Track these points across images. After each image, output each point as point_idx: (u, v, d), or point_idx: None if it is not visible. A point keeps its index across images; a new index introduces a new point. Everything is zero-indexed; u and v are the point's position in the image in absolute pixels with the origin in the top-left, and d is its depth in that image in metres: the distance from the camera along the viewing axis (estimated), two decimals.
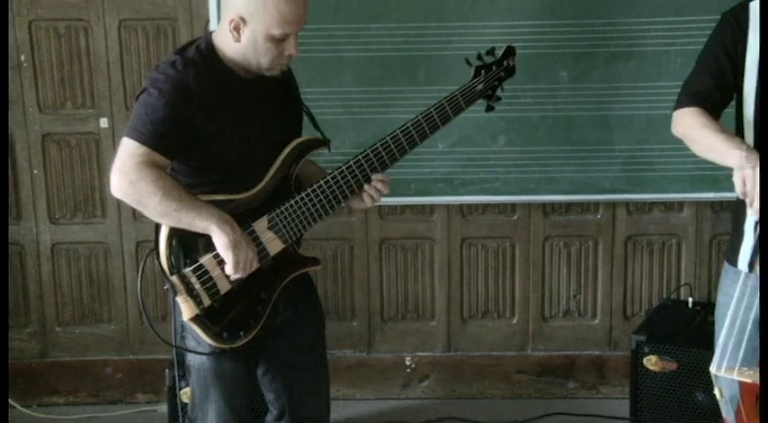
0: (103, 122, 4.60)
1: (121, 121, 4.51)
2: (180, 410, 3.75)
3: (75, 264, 4.75)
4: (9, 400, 4.65)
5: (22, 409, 4.67)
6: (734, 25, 3.00)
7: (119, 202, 4.51)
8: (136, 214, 4.57)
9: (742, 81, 2.98)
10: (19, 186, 4.68)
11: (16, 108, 4.60)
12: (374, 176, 3.02)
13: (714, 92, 2.99)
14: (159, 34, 4.56)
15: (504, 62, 3.28)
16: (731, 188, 2.74)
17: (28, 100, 4.61)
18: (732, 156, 2.74)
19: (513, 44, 3.34)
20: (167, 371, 3.96)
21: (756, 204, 2.62)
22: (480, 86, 3.21)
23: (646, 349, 4.03)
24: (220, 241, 2.76)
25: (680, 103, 3.04)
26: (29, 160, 4.65)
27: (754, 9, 2.96)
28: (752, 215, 2.68)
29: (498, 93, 3.29)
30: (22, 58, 4.58)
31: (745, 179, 2.64)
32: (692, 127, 2.96)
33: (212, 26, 4.32)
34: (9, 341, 4.70)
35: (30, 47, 4.57)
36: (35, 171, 4.66)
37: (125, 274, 4.74)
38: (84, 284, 4.77)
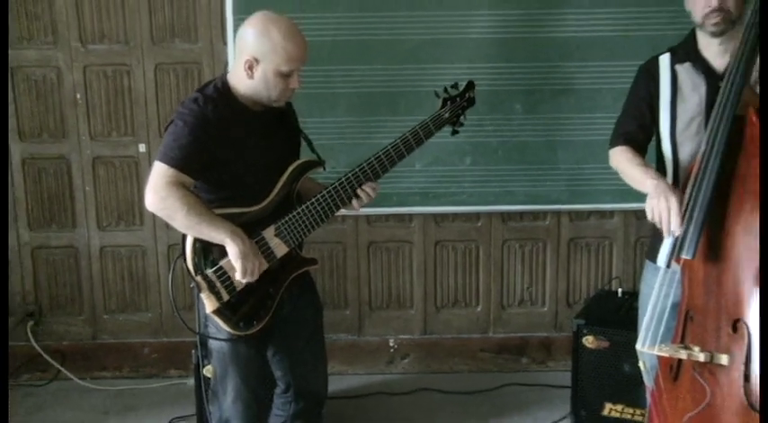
0: (142, 147, 4.58)
1: (156, 146, 4.43)
2: (203, 383, 3.71)
3: (118, 263, 4.72)
4: (68, 373, 4.66)
5: (78, 381, 4.63)
6: (648, 76, 3.06)
7: (153, 213, 4.55)
8: (168, 223, 4.54)
9: (658, 122, 3.02)
10: (74, 200, 4.66)
11: (72, 136, 4.59)
12: (367, 184, 3.02)
13: (638, 132, 3.06)
14: (187, 75, 4.55)
15: (466, 94, 3.29)
16: None
17: (82, 130, 4.59)
18: (645, 185, 2.80)
19: (474, 80, 3.33)
20: (193, 351, 3.92)
21: (665, 228, 2.64)
22: (447, 115, 3.22)
23: (584, 331, 4.00)
24: (232, 252, 2.77)
25: (612, 143, 3.10)
26: (82, 179, 4.63)
27: (663, 61, 3.02)
28: (665, 234, 2.68)
29: (462, 120, 3.29)
30: (78, 96, 4.56)
31: (652, 208, 2.68)
32: (620, 162, 3.02)
33: (230, 68, 4.32)
34: (67, 326, 4.74)
35: (84, 87, 4.56)
36: (87, 188, 4.64)
37: (159, 272, 4.72)
38: (126, 280, 4.75)
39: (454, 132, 3.32)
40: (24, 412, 4.37)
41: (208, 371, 3.67)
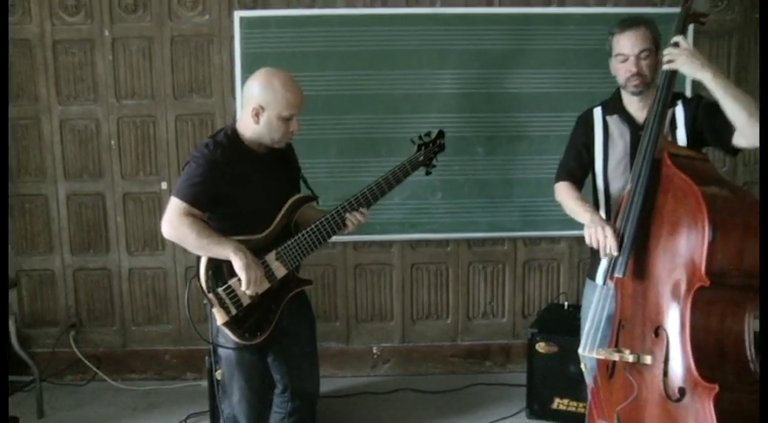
0: (164, 185, 4.57)
1: (176, 184, 4.49)
2: (216, 385, 3.71)
3: (144, 283, 4.69)
4: (103, 375, 4.63)
5: (111, 382, 4.60)
6: (585, 124, 3.09)
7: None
8: (184, 249, 4.48)
9: (594, 162, 3.03)
10: (108, 229, 4.63)
11: (107, 176, 4.59)
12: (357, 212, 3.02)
13: (577, 170, 3.07)
14: (202, 124, 4.56)
15: (437, 141, 3.28)
16: None
17: (115, 170, 4.59)
18: (582, 217, 2.83)
19: (444, 129, 3.33)
20: (207, 358, 3.90)
21: (602, 251, 2.65)
22: (421, 158, 3.21)
23: (537, 338, 3.99)
24: (237, 264, 2.76)
25: (557, 179, 3.11)
26: (114, 211, 4.61)
27: (597, 113, 3.06)
28: (603, 256, 2.69)
29: (434, 162, 3.29)
30: (112, 142, 4.56)
31: (592, 236, 2.68)
32: (563, 196, 3.04)
33: (238, 118, 4.33)
34: (102, 336, 4.71)
35: (117, 135, 4.57)
36: (118, 219, 4.62)
37: (177, 290, 4.68)
38: (150, 297, 4.71)
39: (427, 173, 3.31)
40: (68, 407, 4.33)
41: (219, 375, 3.67)
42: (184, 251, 4.47)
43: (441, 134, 3.30)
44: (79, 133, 4.57)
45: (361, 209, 3.03)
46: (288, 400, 3.19)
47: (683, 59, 2.64)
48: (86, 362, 4.65)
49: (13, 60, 4.48)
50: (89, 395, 4.50)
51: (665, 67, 2.69)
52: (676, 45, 2.68)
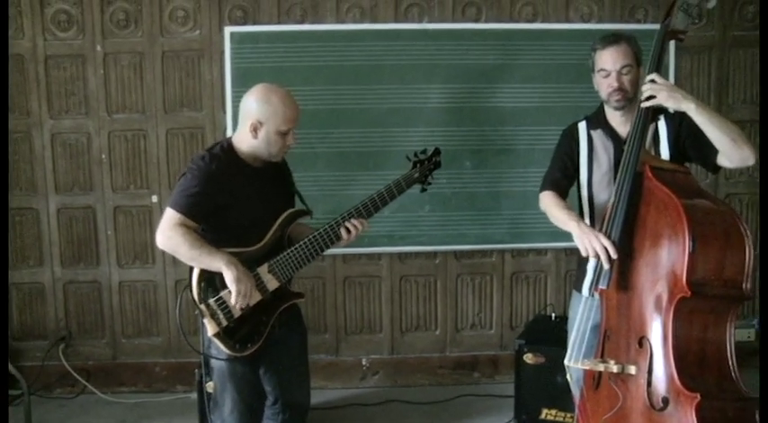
0: (154, 198, 4.58)
1: (167, 198, 4.42)
2: (205, 398, 3.72)
3: (134, 295, 4.69)
4: (92, 388, 4.62)
5: (101, 394, 4.58)
6: (570, 137, 3.12)
7: (163, 253, 4.47)
8: (174, 262, 4.54)
9: (578, 173, 3.05)
10: (98, 243, 4.63)
11: (97, 189, 4.59)
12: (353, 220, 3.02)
13: (562, 180, 3.08)
14: (193, 138, 4.58)
15: (433, 159, 3.30)
16: None
17: (105, 184, 4.59)
18: (569, 225, 2.83)
19: (438, 146, 3.35)
20: (196, 370, 3.90)
21: (604, 259, 2.63)
22: (416, 175, 3.22)
23: (525, 349, 3.99)
24: (228, 277, 2.77)
25: (542, 188, 3.11)
26: (105, 225, 4.61)
27: (582, 127, 3.09)
28: (591, 259, 2.71)
29: (429, 179, 3.30)
30: (103, 156, 4.58)
31: (586, 246, 2.68)
32: (548, 205, 3.03)
33: (228, 133, 4.38)
34: (92, 348, 4.71)
35: (108, 149, 4.58)
36: (109, 232, 4.62)
37: (167, 303, 4.68)
38: (141, 310, 4.70)
39: (423, 190, 3.31)
40: (57, 421, 4.30)
41: (209, 387, 3.66)
42: (174, 264, 4.56)
43: (436, 152, 3.32)
44: (70, 147, 4.58)
45: (360, 218, 3.03)
46: (279, 411, 3.18)
47: (664, 95, 2.68)
48: (76, 375, 4.64)
49: None
50: (78, 408, 4.48)
51: (647, 103, 2.71)
52: (653, 82, 2.72)
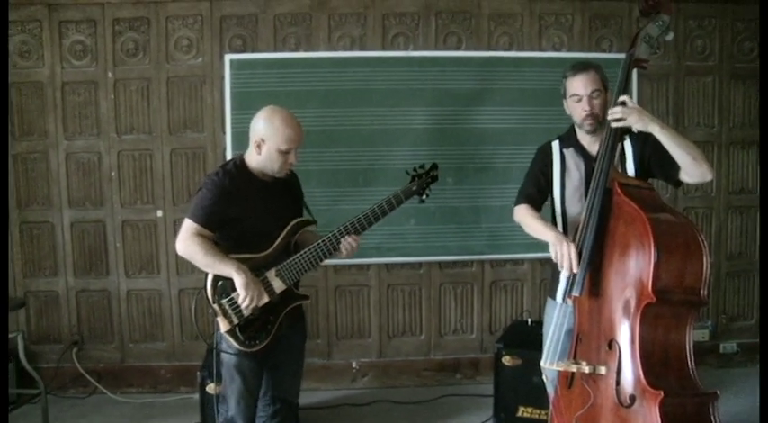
0: (159, 213, 4.58)
1: (170, 212, 4.56)
2: (204, 397, 3.83)
3: (141, 303, 4.67)
4: (103, 389, 4.60)
5: (110, 395, 4.57)
6: (544, 155, 3.12)
7: (168, 263, 4.61)
8: (178, 272, 4.59)
9: (552, 188, 3.06)
10: (108, 254, 4.62)
11: (107, 204, 4.58)
12: (350, 236, 3.04)
13: (536, 194, 3.08)
14: (195, 157, 4.58)
15: (431, 173, 3.30)
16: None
17: (114, 200, 4.58)
18: (546, 235, 2.84)
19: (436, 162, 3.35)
20: (198, 372, 3.89)
21: (566, 267, 2.67)
22: (414, 188, 3.22)
23: (503, 352, 3.99)
24: (237, 282, 2.85)
25: (517, 202, 3.12)
26: (114, 237, 4.60)
27: (555, 146, 3.09)
28: (565, 271, 2.72)
29: (427, 192, 3.29)
30: (113, 174, 4.57)
31: (559, 252, 2.70)
32: (524, 217, 3.04)
33: (228, 153, 4.39)
34: (102, 352, 4.69)
35: (117, 167, 4.57)
36: (117, 244, 4.60)
37: (172, 310, 4.66)
38: (147, 316, 4.68)
39: (422, 201, 3.29)
40: (71, 419, 4.28)
41: (210, 388, 3.70)
42: (178, 274, 4.57)
43: (434, 166, 3.32)
44: (83, 165, 4.57)
45: (353, 235, 3.04)
46: (269, 403, 3.19)
47: (634, 118, 2.69)
48: (88, 376, 4.61)
49: (26, 100, 4.53)
50: (90, 407, 4.45)
51: (617, 124, 2.72)
52: (623, 104, 2.73)
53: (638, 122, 2.70)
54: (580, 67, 2.93)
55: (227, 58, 4.43)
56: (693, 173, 2.72)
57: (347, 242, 3.03)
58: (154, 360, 4.70)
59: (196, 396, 4.09)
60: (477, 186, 4.54)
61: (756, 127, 4.87)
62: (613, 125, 2.74)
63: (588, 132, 2.94)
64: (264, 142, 2.91)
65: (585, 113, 2.90)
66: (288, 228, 3.01)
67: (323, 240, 3.01)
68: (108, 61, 4.50)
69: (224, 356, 3.04)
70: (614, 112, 2.73)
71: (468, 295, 4.81)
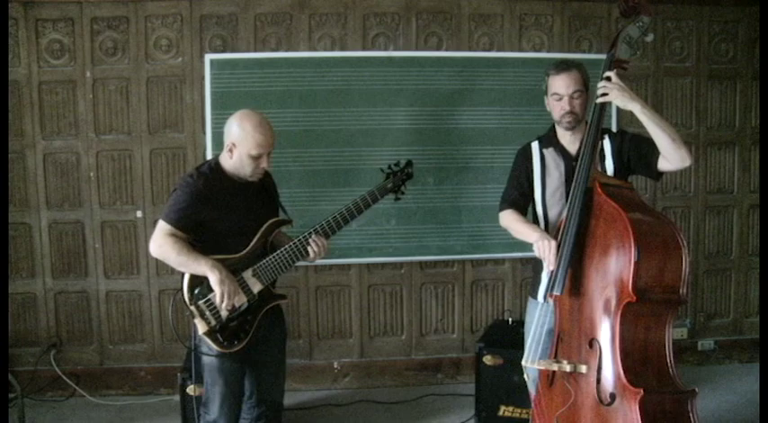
0: (139, 214, 4.54)
1: (150, 213, 4.52)
2: (185, 399, 3.82)
3: (120, 304, 4.63)
4: (82, 392, 4.56)
5: (89, 397, 4.52)
6: (524, 156, 3.15)
7: (148, 264, 4.57)
8: (158, 273, 4.56)
9: (533, 190, 3.08)
10: (86, 255, 4.57)
11: (86, 205, 4.54)
12: (319, 239, 3.04)
13: (519, 198, 3.11)
14: (175, 157, 4.55)
15: (406, 170, 3.32)
16: (531, 251, 2.82)
17: (93, 200, 4.54)
18: (531, 236, 2.86)
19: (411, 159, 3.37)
20: (179, 374, 3.88)
21: (547, 263, 2.71)
22: (389, 185, 3.25)
23: (484, 351, 4.01)
24: (212, 279, 2.85)
25: (501, 208, 3.14)
26: (93, 238, 4.56)
27: (534, 146, 3.12)
28: (546, 268, 2.74)
29: (403, 189, 3.31)
30: (91, 174, 4.53)
31: (540, 248, 2.74)
32: (510, 221, 3.07)
33: (208, 153, 4.37)
34: (81, 354, 4.65)
35: (96, 167, 4.53)
36: (96, 245, 4.56)
37: (152, 311, 4.63)
38: (126, 318, 4.64)
39: (397, 199, 3.31)
40: (49, 422, 4.25)
41: (191, 390, 3.69)
42: (158, 275, 4.55)
43: (409, 164, 3.35)
44: (61, 166, 4.53)
45: (322, 239, 3.04)
46: (254, 405, 3.19)
47: (615, 93, 2.73)
48: (66, 379, 4.57)
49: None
50: (69, 411, 4.41)
51: (599, 99, 2.77)
52: (608, 79, 2.77)
53: (618, 98, 2.74)
54: (563, 65, 2.96)
55: (208, 57, 4.41)
56: (673, 157, 2.73)
57: (315, 246, 3.03)
58: (133, 362, 4.66)
59: (177, 398, 4.07)
60: (458, 186, 4.56)
61: (733, 128, 4.95)
62: (598, 101, 2.78)
63: (567, 129, 2.96)
64: (236, 146, 2.92)
65: (564, 111, 2.93)
66: (263, 228, 3.02)
67: (293, 243, 3.02)
68: (86, 60, 4.46)
69: (205, 359, 3.03)
70: (598, 88, 2.77)
71: (449, 295, 4.82)
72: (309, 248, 3.02)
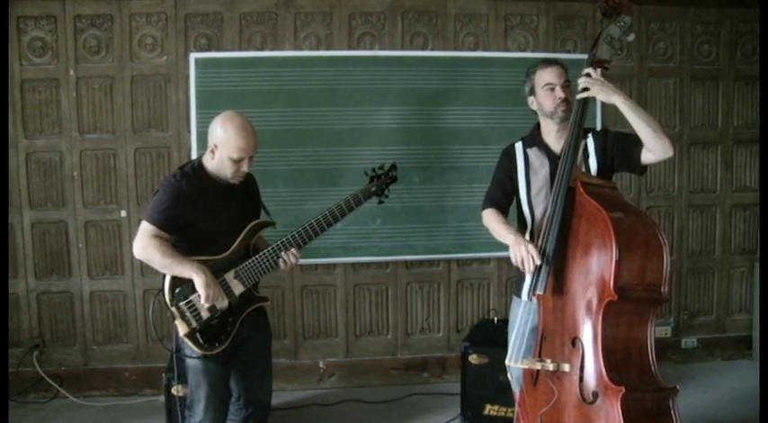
0: (123, 213, 4.54)
1: (134, 212, 4.51)
2: (170, 400, 3.79)
3: (104, 305, 4.62)
4: (65, 393, 4.55)
5: (73, 399, 4.50)
6: (508, 156, 3.17)
7: (132, 264, 4.55)
8: (142, 273, 4.54)
9: (518, 190, 3.10)
10: (70, 255, 4.57)
11: (69, 204, 4.53)
12: (289, 253, 3.03)
13: (502, 198, 3.13)
14: (159, 157, 4.55)
15: (390, 173, 3.32)
16: None
17: (77, 200, 4.53)
18: (507, 238, 2.88)
19: (396, 162, 3.36)
20: (164, 374, 3.87)
21: (526, 269, 2.71)
22: (373, 189, 3.25)
23: (470, 351, 4.03)
24: (197, 282, 2.84)
25: (483, 206, 3.16)
26: (76, 238, 4.55)
27: (518, 147, 3.14)
28: (527, 273, 2.77)
29: (386, 193, 3.31)
30: (75, 173, 4.52)
31: (515, 254, 2.75)
32: (490, 221, 3.09)
33: (193, 152, 4.37)
34: (64, 355, 4.64)
35: (80, 167, 4.52)
36: (80, 245, 4.55)
37: (136, 311, 4.62)
38: (111, 318, 4.64)
39: (380, 202, 3.32)
40: None
41: (176, 390, 3.68)
42: (142, 275, 4.54)
43: (393, 167, 3.34)
44: (44, 165, 4.51)
45: (293, 250, 3.04)
46: (242, 407, 3.18)
47: (597, 88, 2.76)
48: (49, 380, 4.55)
49: None
50: (52, 412, 4.39)
51: (581, 95, 2.79)
52: (588, 76, 2.80)
53: (600, 92, 2.77)
54: (550, 60, 3.03)
55: (192, 56, 4.41)
56: (656, 147, 2.76)
57: (285, 257, 3.03)
58: (118, 362, 4.66)
59: (161, 399, 4.06)
60: (444, 186, 4.58)
61: (716, 128, 5.02)
62: (579, 96, 2.80)
63: (562, 120, 2.97)
64: (218, 148, 2.91)
65: (560, 99, 2.94)
66: (246, 229, 3.01)
67: (268, 251, 3.02)
68: (69, 59, 4.45)
69: (189, 361, 3.02)
70: (579, 83, 2.80)
71: (434, 294, 4.84)
72: (280, 260, 3.02)
